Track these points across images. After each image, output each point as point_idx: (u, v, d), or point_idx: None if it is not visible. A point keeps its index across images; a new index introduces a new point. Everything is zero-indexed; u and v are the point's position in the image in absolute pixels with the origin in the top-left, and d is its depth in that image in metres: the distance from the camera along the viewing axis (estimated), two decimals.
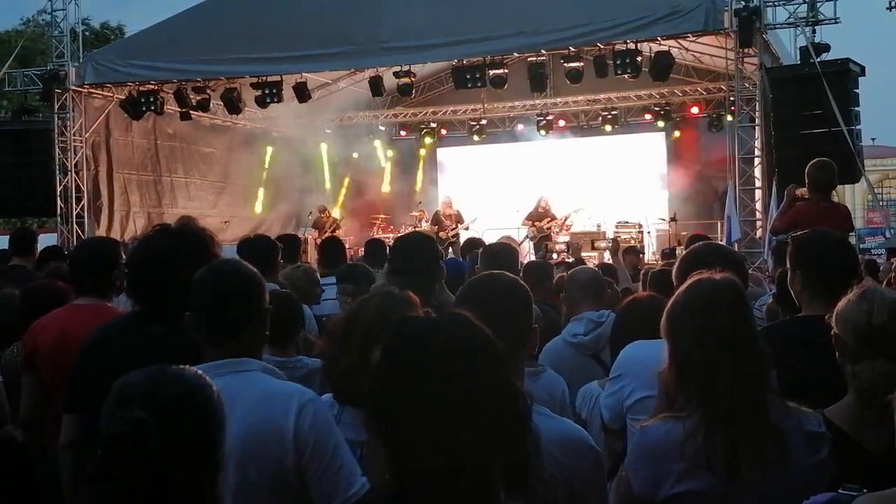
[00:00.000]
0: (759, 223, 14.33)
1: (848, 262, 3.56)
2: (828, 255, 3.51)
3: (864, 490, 2.02)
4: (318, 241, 19.07)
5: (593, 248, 18.08)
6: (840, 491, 2.05)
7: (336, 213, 21.76)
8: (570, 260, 14.61)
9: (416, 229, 18.63)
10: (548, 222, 18.59)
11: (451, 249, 17.25)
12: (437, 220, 19.41)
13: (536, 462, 1.62)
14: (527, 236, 18.63)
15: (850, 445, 2.60)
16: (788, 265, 3.59)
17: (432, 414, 1.51)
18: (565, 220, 18.94)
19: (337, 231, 19.51)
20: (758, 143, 14.63)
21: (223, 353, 2.72)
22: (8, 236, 8.32)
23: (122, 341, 3.28)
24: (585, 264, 8.17)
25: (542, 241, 18.29)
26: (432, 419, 1.51)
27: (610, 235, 18.93)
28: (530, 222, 18.78)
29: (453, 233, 18.82)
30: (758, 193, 14.67)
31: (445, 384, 1.52)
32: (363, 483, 2.65)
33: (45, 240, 16.85)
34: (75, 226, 17.47)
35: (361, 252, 17.73)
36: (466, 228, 18.80)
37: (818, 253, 3.53)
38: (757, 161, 14.72)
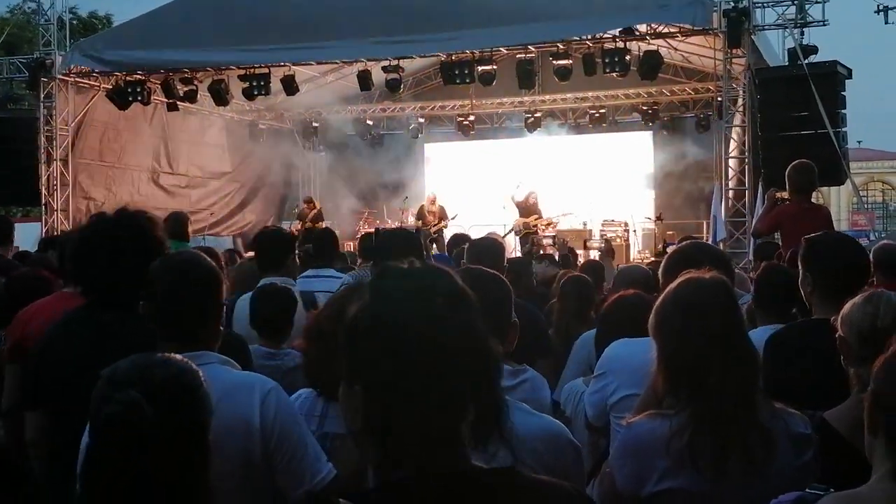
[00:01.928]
0: (744, 223, 14.38)
1: (860, 265, 3.55)
2: (840, 257, 3.50)
3: (832, 490, 2.03)
4: (300, 232, 19.08)
5: (585, 248, 18.03)
6: (807, 490, 2.07)
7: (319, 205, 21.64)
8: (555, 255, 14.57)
9: (401, 224, 18.63)
10: (535, 219, 18.57)
11: (434, 245, 17.24)
12: (420, 215, 19.40)
13: (508, 416, 1.61)
14: (511, 230, 18.59)
15: (845, 449, 2.58)
16: (800, 267, 3.57)
17: (417, 358, 1.49)
18: (552, 220, 18.88)
19: (319, 223, 19.41)
20: (744, 144, 14.67)
21: (178, 347, 2.64)
22: None
23: (74, 334, 3.23)
24: (575, 257, 8.16)
25: (528, 236, 18.27)
26: (416, 364, 1.49)
27: (596, 233, 18.96)
28: (518, 217, 18.66)
29: (436, 228, 18.82)
30: (743, 194, 14.71)
31: (431, 328, 1.51)
32: (329, 469, 2.70)
33: (29, 229, 16.86)
34: (60, 215, 17.37)
35: (351, 246, 17.82)
36: (445, 226, 18.78)
37: (831, 255, 3.52)
38: (741, 162, 14.77)
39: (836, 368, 2.81)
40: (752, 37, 14.19)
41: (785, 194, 8.00)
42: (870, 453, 2.06)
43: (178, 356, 2.03)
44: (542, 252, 16.09)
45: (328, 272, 6.61)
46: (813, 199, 7.86)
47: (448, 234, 17.10)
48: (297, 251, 6.37)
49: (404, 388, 1.49)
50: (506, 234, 18.19)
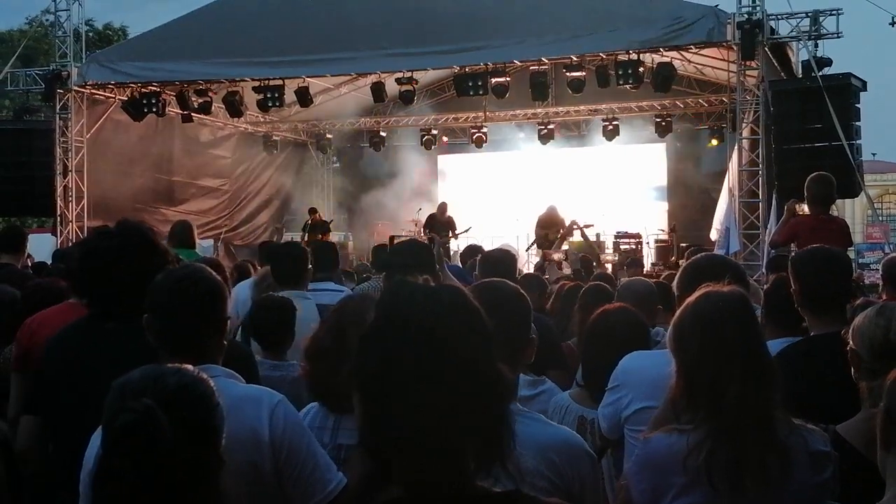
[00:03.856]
0: (758, 235, 14.32)
1: (837, 279, 3.57)
2: (818, 271, 3.54)
3: None
4: (304, 242, 19.07)
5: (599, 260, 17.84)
6: None
7: (329, 216, 21.65)
8: (568, 271, 14.49)
9: (412, 235, 18.58)
10: (556, 231, 18.43)
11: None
12: (430, 222, 19.28)
13: (512, 446, 1.58)
14: (534, 242, 18.48)
15: (860, 463, 2.57)
16: (791, 280, 3.61)
17: (419, 374, 1.49)
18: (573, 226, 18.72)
19: (326, 234, 19.38)
20: (758, 156, 14.64)
21: (181, 360, 2.59)
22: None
23: (77, 342, 3.25)
24: (590, 270, 8.11)
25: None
26: (418, 380, 1.49)
27: (609, 246, 18.87)
28: (540, 230, 18.52)
29: (443, 239, 18.72)
30: (757, 206, 14.66)
31: (437, 346, 1.50)
32: (340, 478, 2.69)
33: (44, 240, 16.94)
34: (75, 226, 17.45)
35: (366, 257, 17.81)
36: (456, 237, 18.69)
37: (814, 271, 3.56)
38: (757, 174, 14.72)
39: (842, 385, 2.80)
40: (766, 49, 14.17)
41: (804, 206, 8.00)
42: (883, 469, 2.06)
43: (189, 366, 2.04)
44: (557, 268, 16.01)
45: (328, 285, 6.46)
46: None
47: (455, 246, 17.06)
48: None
49: (405, 394, 1.48)
50: (528, 247, 18.10)
